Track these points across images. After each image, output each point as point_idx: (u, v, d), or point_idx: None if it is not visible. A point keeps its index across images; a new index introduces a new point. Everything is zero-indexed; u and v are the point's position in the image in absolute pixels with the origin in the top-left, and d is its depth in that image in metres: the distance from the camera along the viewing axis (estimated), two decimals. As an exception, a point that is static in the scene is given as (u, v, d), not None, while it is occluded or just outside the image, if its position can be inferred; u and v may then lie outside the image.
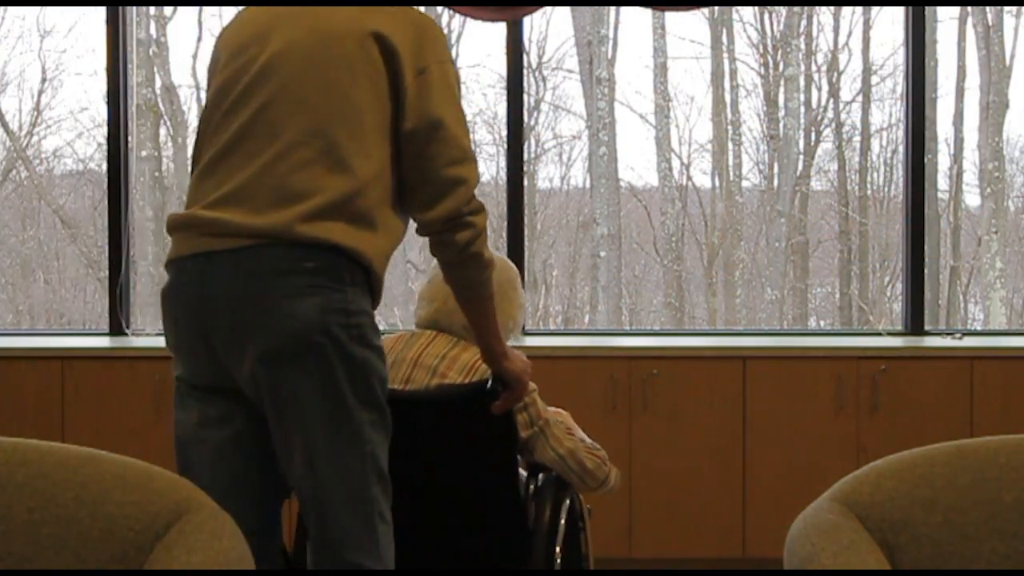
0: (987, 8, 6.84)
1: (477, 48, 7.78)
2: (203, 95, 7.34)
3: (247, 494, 1.86)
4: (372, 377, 1.82)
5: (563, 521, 2.16)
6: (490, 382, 2.04)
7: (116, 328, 3.94)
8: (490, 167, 7.42)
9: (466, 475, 2.12)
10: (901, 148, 4.93)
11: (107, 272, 4.01)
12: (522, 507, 2.16)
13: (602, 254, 6.51)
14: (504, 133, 4.22)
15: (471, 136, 1.94)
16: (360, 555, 1.82)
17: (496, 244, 7.14)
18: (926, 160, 4.10)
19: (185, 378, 1.87)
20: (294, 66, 1.81)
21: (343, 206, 1.77)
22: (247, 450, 1.86)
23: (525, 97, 4.26)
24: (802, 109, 7.21)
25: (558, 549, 2.11)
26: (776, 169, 7.24)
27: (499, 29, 4.18)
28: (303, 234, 1.74)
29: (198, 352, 1.81)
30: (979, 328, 7.25)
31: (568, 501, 2.20)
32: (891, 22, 6.74)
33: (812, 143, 7.33)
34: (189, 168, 1.97)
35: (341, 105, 1.80)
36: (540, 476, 2.23)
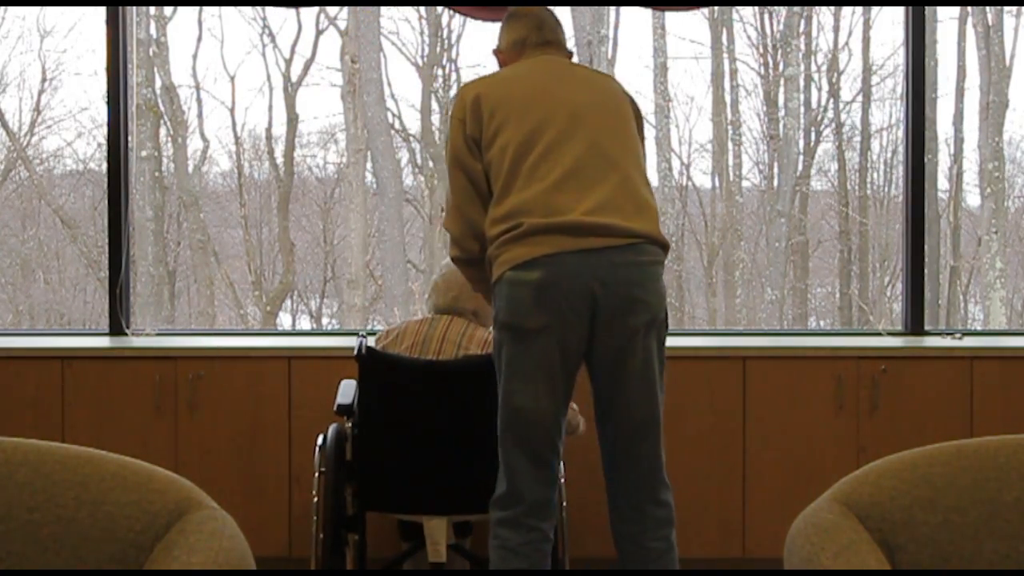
0: (987, 8, 6.84)
1: (477, 48, 7.78)
2: (198, 94, 7.27)
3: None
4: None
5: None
6: None
7: (116, 328, 3.94)
8: (490, 167, 7.41)
9: (484, 422, 2.64)
10: (901, 148, 4.93)
11: (107, 272, 4.01)
12: None
13: (602, 254, 6.50)
14: (504, 133, 4.21)
15: None
16: (664, 474, 2.48)
17: (496, 244, 7.13)
18: (926, 160, 4.10)
19: (554, 350, 2.36)
20: (603, 115, 2.46)
21: (658, 217, 2.49)
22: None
23: (525, 97, 4.24)
24: (802, 109, 7.21)
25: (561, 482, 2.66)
26: (776, 169, 7.25)
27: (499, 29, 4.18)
28: (660, 236, 2.41)
29: (580, 325, 2.35)
30: (979, 328, 7.26)
31: None
32: (891, 22, 6.75)
33: (812, 143, 7.33)
34: (465, 190, 2.49)
35: (638, 146, 2.52)
36: None
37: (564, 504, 2.80)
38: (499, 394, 2.44)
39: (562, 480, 2.76)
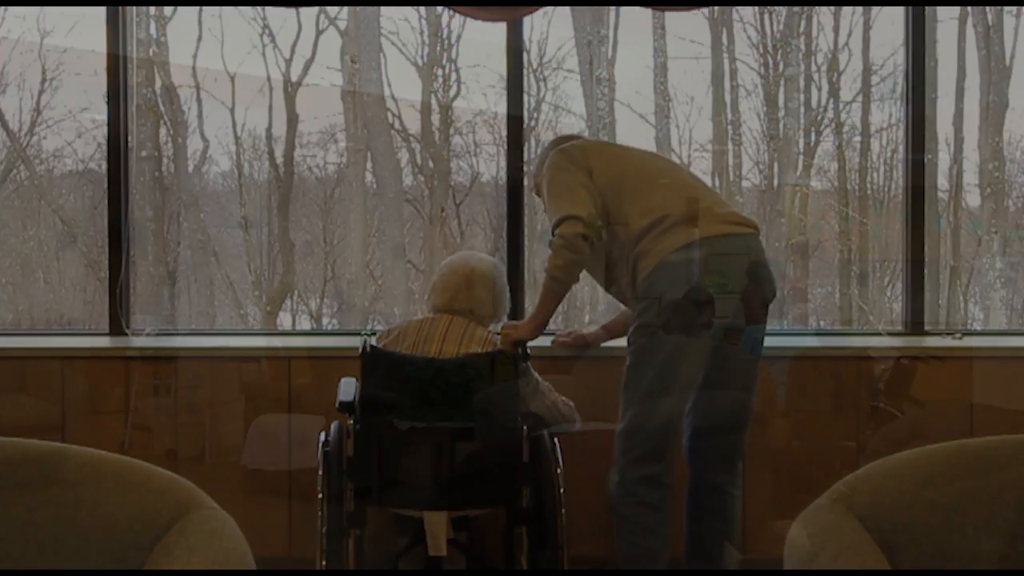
0: (987, 8, 6.83)
1: (477, 48, 7.78)
2: (198, 94, 7.27)
3: None
4: None
5: (558, 447, 2.95)
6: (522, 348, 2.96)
7: (116, 328, 3.93)
8: (490, 167, 7.41)
9: (484, 418, 2.85)
10: (901, 148, 4.93)
11: (107, 272, 4.01)
12: (521, 439, 2.88)
13: (602, 254, 6.50)
14: (504, 133, 4.22)
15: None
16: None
17: (496, 244, 7.13)
18: (926, 160, 4.09)
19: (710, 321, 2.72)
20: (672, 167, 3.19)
21: None
22: None
23: (525, 97, 4.25)
24: (802, 109, 7.20)
25: (559, 471, 2.90)
26: (776, 169, 7.24)
27: (499, 29, 4.18)
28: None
29: (734, 297, 2.70)
30: (979, 328, 7.25)
31: (552, 439, 2.98)
32: (891, 22, 6.73)
33: (812, 143, 7.32)
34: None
35: None
36: (530, 422, 2.96)
37: (563, 507, 2.84)
38: (646, 364, 2.74)
39: (559, 477, 2.88)
